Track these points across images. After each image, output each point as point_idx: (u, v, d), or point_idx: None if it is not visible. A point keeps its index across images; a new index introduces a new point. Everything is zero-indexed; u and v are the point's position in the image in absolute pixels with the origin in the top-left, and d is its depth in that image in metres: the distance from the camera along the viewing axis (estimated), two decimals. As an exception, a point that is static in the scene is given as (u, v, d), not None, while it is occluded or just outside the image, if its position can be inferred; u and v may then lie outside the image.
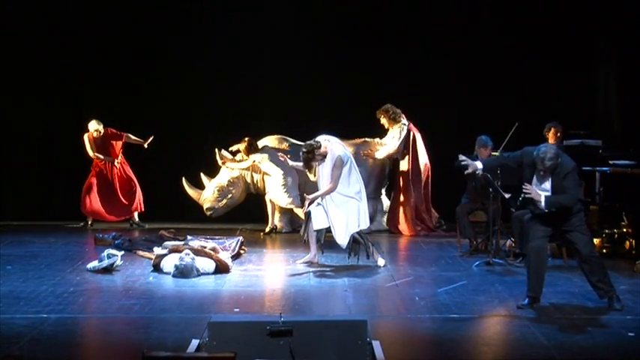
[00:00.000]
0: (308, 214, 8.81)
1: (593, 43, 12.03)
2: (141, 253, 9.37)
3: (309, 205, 8.74)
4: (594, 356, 5.98)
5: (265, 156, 10.90)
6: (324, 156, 8.73)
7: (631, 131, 11.45)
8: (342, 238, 8.76)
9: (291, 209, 11.03)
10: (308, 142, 8.91)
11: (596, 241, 9.01)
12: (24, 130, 12.25)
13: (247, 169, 11.07)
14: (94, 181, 11.55)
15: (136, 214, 11.74)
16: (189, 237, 9.33)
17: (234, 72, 12.21)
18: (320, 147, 8.73)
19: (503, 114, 10.50)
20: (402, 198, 11.16)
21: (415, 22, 12.19)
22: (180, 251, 8.51)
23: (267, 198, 11.15)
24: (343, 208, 8.74)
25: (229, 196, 11.18)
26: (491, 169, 8.15)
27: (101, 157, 11.50)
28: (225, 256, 8.78)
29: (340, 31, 12.21)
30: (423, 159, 11.16)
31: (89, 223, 11.66)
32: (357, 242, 8.90)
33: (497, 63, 11.98)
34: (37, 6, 12.08)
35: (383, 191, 11.55)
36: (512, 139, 9.47)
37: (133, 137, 11.61)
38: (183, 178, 11.23)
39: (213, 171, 11.30)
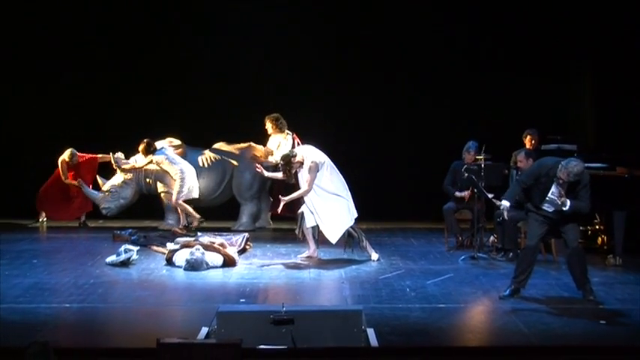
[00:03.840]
0: (301, 214, 8.83)
1: (567, 51, 11.93)
2: (155, 248, 9.39)
3: (283, 205, 8.72)
4: (570, 342, 6.00)
5: (163, 156, 10.82)
6: (301, 164, 8.75)
7: (604, 136, 11.46)
8: (334, 234, 8.73)
9: (180, 207, 10.90)
10: (284, 153, 8.94)
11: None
12: (45, 131, 12.12)
13: (142, 169, 11.02)
14: (54, 181, 11.43)
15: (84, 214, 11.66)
16: (199, 233, 9.35)
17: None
18: (296, 156, 8.75)
19: (493, 119, 10.57)
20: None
21: (395, 34, 12.12)
22: (191, 246, 8.52)
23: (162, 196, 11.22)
24: (335, 205, 8.71)
25: (123, 196, 11.19)
26: (514, 199, 7.43)
27: (74, 182, 11.26)
28: (232, 251, 8.77)
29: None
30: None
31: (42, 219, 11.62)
32: (352, 236, 8.93)
33: (479, 71, 11.97)
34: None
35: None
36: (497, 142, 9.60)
37: (102, 156, 11.42)
38: (80, 180, 11.20)
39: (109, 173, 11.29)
